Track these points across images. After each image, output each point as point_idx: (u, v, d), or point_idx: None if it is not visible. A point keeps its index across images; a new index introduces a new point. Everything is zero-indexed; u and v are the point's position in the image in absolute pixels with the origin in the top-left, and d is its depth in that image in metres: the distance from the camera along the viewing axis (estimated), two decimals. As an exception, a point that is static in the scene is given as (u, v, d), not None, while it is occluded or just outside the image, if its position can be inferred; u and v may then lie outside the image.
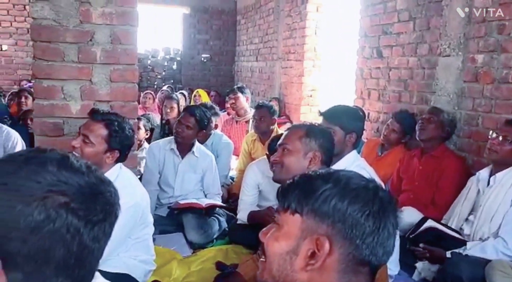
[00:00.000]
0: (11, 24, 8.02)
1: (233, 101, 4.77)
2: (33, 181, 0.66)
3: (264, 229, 0.89)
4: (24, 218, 0.64)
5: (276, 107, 4.36)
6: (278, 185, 0.92)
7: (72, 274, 0.68)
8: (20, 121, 4.32)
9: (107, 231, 0.72)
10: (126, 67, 2.49)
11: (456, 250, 2.33)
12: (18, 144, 3.01)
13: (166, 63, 8.90)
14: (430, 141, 3.01)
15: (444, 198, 2.81)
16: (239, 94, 4.80)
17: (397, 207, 0.84)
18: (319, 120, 2.31)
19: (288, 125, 5.25)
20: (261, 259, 0.89)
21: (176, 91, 6.36)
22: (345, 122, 2.19)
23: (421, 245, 2.47)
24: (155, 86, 8.31)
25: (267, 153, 2.89)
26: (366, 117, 4.17)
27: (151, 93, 6.26)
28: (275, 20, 6.60)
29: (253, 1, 7.56)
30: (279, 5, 6.40)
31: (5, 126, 3.10)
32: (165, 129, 4.59)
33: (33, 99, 2.52)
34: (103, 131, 1.95)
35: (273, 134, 3.64)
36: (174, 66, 8.92)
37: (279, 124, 4.67)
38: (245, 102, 4.84)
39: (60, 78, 2.39)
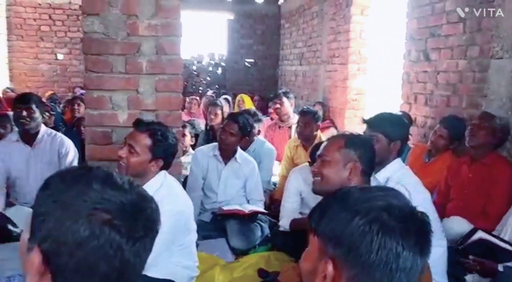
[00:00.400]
0: (66, 34, 8.44)
1: (278, 106, 4.77)
2: (80, 199, 0.69)
3: None
4: (72, 234, 0.68)
5: (320, 112, 4.32)
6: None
7: (114, 288, 0.71)
8: (73, 128, 4.52)
9: (148, 246, 0.74)
10: (170, 77, 2.55)
11: (509, 264, 2.22)
12: (70, 150, 3.16)
13: (211, 69, 9.06)
14: (480, 147, 2.87)
15: (496, 207, 2.67)
16: (284, 100, 4.78)
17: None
18: (364, 125, 2.28)
19: (332, 130, 5.19)
20: None
21: (220, 96, 6.45)
22: (389, 129, 2.14)
23: (471, 257, 2.36)
24: (200, 92, 8.47)
25: (309, 160, 2.87)
26: (413, 123, 4.06)
27: (196, 99, 6.38)
28: (319, 24, 6.55)
29: (297, 5, 7.55)
30: (323, 8, 6.35)
31: (59, 133, 3.25)
32: (209, 135, 4.67)
33: (85, 107, 2.64)
34: (147, 141, 2.00)
35: (316, 141, 3.61)
36: (219, 71, 9.06)
37: (323, 129, 4.62)
38: (289, 107, 4.83)
39: (109, 89, 2.50)
